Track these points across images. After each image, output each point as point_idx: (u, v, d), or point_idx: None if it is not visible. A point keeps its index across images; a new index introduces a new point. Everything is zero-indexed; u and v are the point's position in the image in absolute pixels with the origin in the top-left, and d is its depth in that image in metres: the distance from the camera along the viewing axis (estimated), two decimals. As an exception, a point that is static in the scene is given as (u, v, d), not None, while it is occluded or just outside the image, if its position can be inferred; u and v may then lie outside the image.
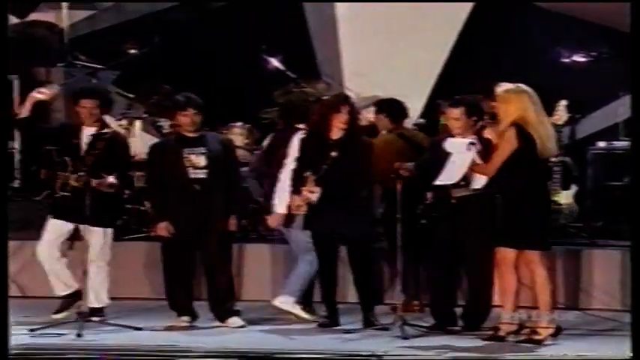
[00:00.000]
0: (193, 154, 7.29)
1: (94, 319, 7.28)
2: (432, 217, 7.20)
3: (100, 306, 7.41)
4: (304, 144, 7.44)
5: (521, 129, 6.75)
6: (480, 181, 6.97)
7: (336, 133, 7.24)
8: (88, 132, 7.37)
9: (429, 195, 7.14)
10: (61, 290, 7.41)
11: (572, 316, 7.61)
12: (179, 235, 7.27)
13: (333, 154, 7.20)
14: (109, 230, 7.41)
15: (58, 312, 7.39)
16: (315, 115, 7.48)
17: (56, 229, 7.40)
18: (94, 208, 7.19)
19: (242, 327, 7.34)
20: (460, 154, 6.89)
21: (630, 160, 6.61)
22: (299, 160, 7.40)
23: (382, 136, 7.94)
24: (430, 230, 7.29)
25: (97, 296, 7.37)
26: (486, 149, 6.92)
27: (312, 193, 7.13)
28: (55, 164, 7.35)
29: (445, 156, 7.03)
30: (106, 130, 7.39)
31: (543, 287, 6.85)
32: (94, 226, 7.31)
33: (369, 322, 7.28)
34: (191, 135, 7.34)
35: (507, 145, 6.73)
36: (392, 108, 8.03)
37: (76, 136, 7.36)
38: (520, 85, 6.89)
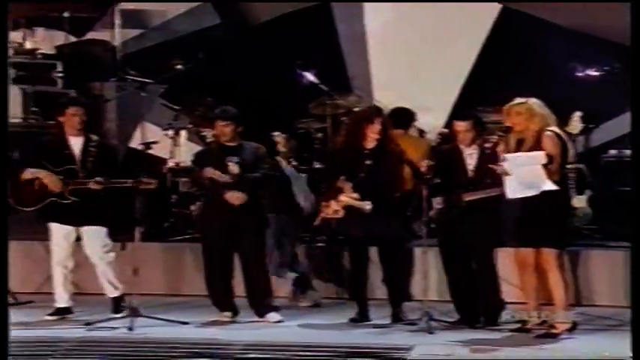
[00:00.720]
0: (230, 162, 7.37)
1: (124, 313, 7.30)
2: (442, 221, 7.17)
3: (120, 294, 7.40)
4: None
5: (557, 134, 6.78)
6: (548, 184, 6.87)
7: (369, 143, 7.26)
8: (76, 142, 7.35)
9: (440, 199, 7.13)
10: (64, 302, 7.42)
11: (584, 312, 7.58)
12: (217, 236, 7.32)
13: (368, 162, 7.21)
14: (105, 228, 7.40)
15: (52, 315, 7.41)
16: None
17: (65, 234, 7.37)
18: (96, 209, 7.25)
19: (280, 322, 7.36)
20: (524, 167, 6.80)
21: (630, 163, 6.63)
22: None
23: None
24: (442, 233, 7.25)
25: (114, 287, 7.38)
26: (492, 160, 6.97)
27: (356, 199, 7.12)
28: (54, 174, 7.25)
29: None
30: (94, 138, 7.40)
31: (557, 286, 6.85)
32: (99, 225, 7.32)
33: (397, 318, 7.29)
34: (229, 144, 7.41)
35: (557, 147, 6.78)
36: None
37: (66, 147, 7.34)
38: (534, 99, 6.92)
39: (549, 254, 6.85)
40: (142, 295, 7.39)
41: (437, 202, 7.12)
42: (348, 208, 7.22)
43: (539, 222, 6.82)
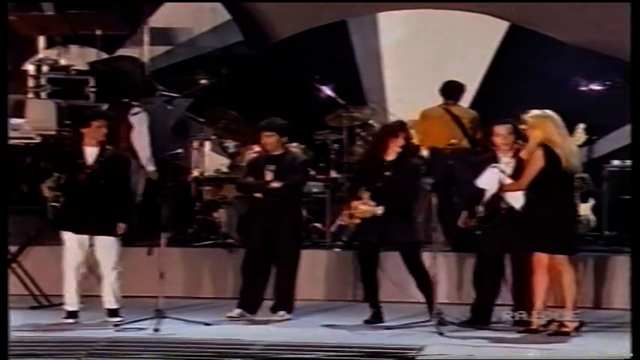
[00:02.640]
0: (268, 169, 7.47)
1: (115, 319, 7.25)
2: (484, 228, 7.13)
3: (118, 307, 7.35)
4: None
5: (548, 149, 6.80)
6: (517, 201, 6.94)
7: (390, 155, 7.28)
8: (92, 152, 7.30)
9: (481, 208, 7.11)
10: (75, 306, 7.31)
11: (586, 314, 7.53)
12: (257, 241, 7.43)
13: (387, 173, 7.22)
14: (117, 238, 7.32)
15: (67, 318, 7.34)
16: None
17: (79, 241, 7.28)
18: (106, 219, 7.21)
19: (288, 319, 7.36)
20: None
21: (631, 167, 6.61)
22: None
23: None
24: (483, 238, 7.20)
25: (117, 299, 7.32)
26: (520, 168, 7.00)
27: (373, 206, 7.14)
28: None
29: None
30: (108, 149, 7.36)
31: (570, 287, 6.85)
32: (108, 235, 7.25)
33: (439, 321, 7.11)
34: (273, 153, 7.56)
35: (536, 163, 6.81)
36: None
37: (81, 157, 7.29)
38: (546, 110, 6.95)
39: (563, 257, 6.85)
40: (168, 298, 7.39)
41: (479, 211, 7.10)
42: (364, 216, 7.20)
43: (552, 229, 6.81)
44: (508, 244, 7.08)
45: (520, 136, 7.15)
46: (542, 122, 6.89)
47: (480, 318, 7.16)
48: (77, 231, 7.28)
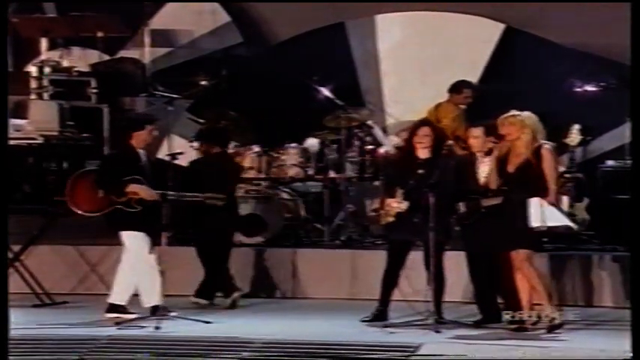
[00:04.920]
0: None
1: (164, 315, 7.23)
2: (465, 225, 7.15)
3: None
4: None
5: (554, 148, 6.82)
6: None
7: (423, 153, 7.26)
8: (142, 155, 7.33)
9: (462, 205, 7.12)
10: (124, 300, 7.30)
11: (582, 312, 7.52)
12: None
13: (420, 171, 7.21)
14: None
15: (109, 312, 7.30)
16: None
17: (147, 242, 7.29)
18: (161, 219, 7.27)
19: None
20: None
21: (630, 167, 6.58)
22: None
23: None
24: (464, 236, 7.22)
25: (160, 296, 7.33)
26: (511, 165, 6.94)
27: (400, 204, 7.14)
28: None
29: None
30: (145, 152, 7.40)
31: (537, 283, 6.84)
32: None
33: (436, 320, 7.08)
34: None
35: (554, 159, 6.84)
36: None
37: (139, 159, 7.29)
38: (527, 112, 6.95)
39: (520, 255, 6.83)
40: (168, 296, 7.36)
41: (459, 209, 7.10)
42: (398, 214, 7.17)
43: (509, 227, 6.84)
44: (489, 243, 7.06)
45: (497, 138, 7.10)
46: (533, 121, 6.90)
47: (491, 316, 7.14)
48: (148, 231, 7.21)
